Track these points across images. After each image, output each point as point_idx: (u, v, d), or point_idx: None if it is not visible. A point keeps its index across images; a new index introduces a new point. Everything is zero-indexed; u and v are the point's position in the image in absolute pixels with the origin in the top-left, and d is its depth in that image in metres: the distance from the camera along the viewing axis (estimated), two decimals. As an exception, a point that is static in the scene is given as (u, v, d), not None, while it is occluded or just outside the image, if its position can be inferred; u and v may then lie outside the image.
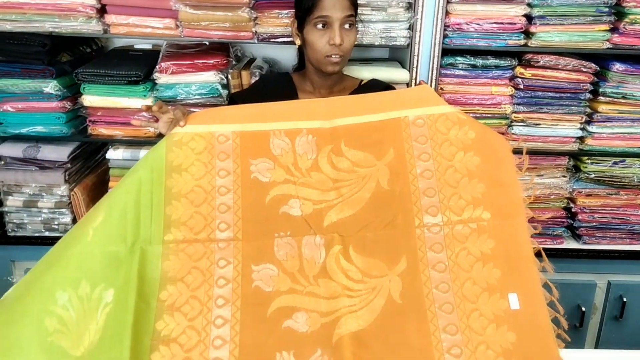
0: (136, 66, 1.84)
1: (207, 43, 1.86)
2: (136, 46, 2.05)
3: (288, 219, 1.03)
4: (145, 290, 0.97)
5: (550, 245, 2.00)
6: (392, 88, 1.52)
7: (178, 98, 1.81)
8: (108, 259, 1.02)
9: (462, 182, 1.03)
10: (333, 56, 1.34)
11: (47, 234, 2.00)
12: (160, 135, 1.27)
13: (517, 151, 1.16)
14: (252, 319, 0.96)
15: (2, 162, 1.94)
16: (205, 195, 1.04)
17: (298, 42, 1.46)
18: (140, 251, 1.00)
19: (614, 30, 1.78)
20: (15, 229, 2.02)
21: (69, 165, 1.95)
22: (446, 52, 1.80)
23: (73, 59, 1.93)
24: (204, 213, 1.03)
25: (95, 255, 1.02)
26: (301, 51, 1.55)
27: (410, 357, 0.91)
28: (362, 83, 1.55)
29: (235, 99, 1.56)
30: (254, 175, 1.05)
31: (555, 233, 2.00)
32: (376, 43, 1.77)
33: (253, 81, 1.77)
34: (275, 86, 1.55)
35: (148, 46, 2.03)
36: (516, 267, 1.00)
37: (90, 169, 2.09)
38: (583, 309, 1.99)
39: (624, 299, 2.00)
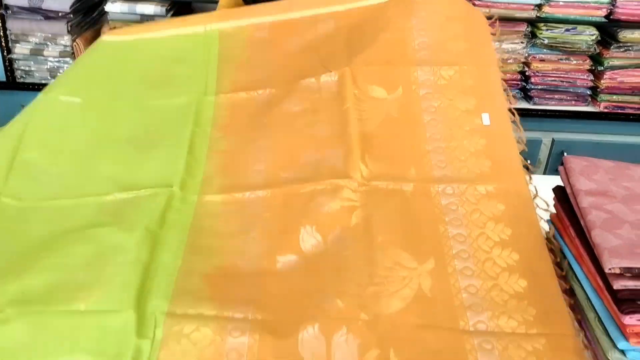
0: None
1: None
2: None
3: (310, 66, 1.23)
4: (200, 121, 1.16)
5: (504, 105, 2.10)
6: None
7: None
8: None
9: (448, 42, 1.23)
10: None
11: (52, 81, 2.04)
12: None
13: (488, 17, 1.32)
14: (283, 130, 1.14)
15: (10, 11, 2.04)
16: (246, 63, 1.28)
17: None
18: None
19: None
20: (24, 76, 2.15)
21: (71, 16, 2.06)
22: None
23: None
24: (247, 73, 1.24)
25: None
26: None
27: (400, 141, 1.13)
28: None
29: None
30: (284, 46, 1.27)
31: (509, 94, 2.11)
32: None
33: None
34: None
35: None
36: (490, 95, 1.19)
37: (90, 24, 2.20)
38: (529, 161, 2.05)
39: (565, 154, 2.07)
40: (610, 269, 0.81)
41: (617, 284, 0.80)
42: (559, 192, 1.06)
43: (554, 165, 2.18)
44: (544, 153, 2.20)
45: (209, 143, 1.10)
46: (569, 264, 0.99)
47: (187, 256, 0.87)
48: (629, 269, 0.80)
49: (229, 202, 0.99)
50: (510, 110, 1.23)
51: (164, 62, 1.33)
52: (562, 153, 2.19)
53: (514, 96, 2.04)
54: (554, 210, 1.09)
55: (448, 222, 1.01)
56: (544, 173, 2.19)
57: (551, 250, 1.02)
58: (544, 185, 1.16)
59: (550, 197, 1.12)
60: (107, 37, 1.40)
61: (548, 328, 0.87)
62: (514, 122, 1.22)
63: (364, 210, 0.96)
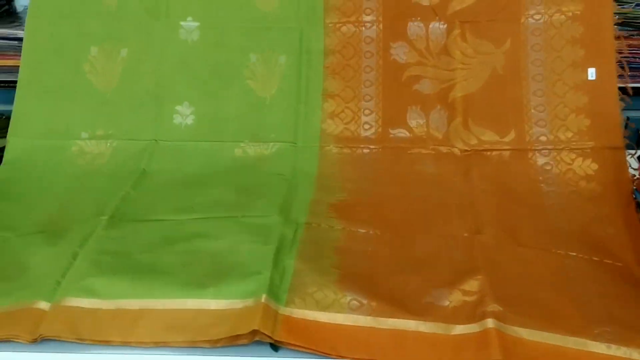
0: None
1: None
2: None
3: (419, 6, 1.22)
4: (312, 58, 1.26)
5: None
6: None
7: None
8: None
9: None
10: None
11: None
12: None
13: None
14: (391, 82, 1.20)
15: None
16: (353, 74, 1.27)
17: None
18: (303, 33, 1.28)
19: None
20: None
21: None
22: None
23: None
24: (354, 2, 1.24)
25: None
26: None
27: (505, 112, 1.18)
28: None
29: None
30: (392, 57, 1.26)
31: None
32: None
33: None
34: None
35: None
36: (598, 49, 1.19)
37: None
38: None
39: None
40: None
41: None
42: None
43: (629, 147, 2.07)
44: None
45: (322, 89, 1.26)
46: None
47: (317, 192, 1.12)
48: None
49: (344, 154, 1.20)
50: (620, 62, 1.23)
51: None
52: (638, 132, 2.07)
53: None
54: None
55: (542, 180, 1.13)
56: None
57: None
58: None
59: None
60: None
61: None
62: (621, 75, 1.20)
63: (464, 174, 1.15)
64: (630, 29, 1.93)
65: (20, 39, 2.01)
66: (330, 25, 1.27)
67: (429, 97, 1.19)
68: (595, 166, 1.13)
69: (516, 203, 1.09)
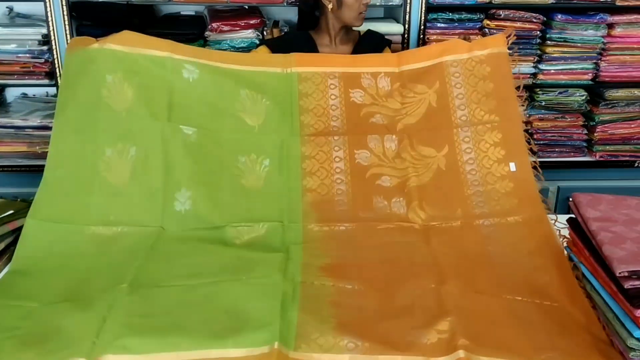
0: (190, 27, 2.27)
1: (247, 7, 2.31)
2: (182, 12, 2.34)
3: (375, 126, 1.53)
4: (291, 163, 1.53)
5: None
6: (385, 38, 2.01)
7: (224, 49, 2.23)
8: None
9: (482, 100, 1.58)
10: (363, 12, 1.76)
11: None
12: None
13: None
14: (357, 179, 1.47)
15: None
16: (323, 111, 1.55)
17: (330, 6, 1.77)
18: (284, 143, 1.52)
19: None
20: None
21: None
22: (430, 9, 2.24)
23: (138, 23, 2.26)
24: (324, 121, 1.54)
25: None
26: (302, 14, 1.93)
27: (451, 196, 1.49)
28: (361, 34, 1.98)
29: (267, 44, 1.96)
30: (352, 99, 1.57)
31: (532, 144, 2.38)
32: (377, 3, 2.24)
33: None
34: (298, 40, 1.96)
35: (191, 12, 2.33)
36: (515, 148, 1.54)
37: None
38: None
39: (570, 200, 2.30)
40: (620, 273, 1.01)
41: (627, 284, 0.99)
42: (572, 222, 1.28)
43: (561, 209, 2.39)
44: (551, 200, 2.41)
45: (301, 185, 1.47)
46: (585, 278, 1.20)
47: (305, 257, 1.29)
48: (635, 272, 1.00)
49: (324, 235, 1.41)
50: (532, 154, 1.58)
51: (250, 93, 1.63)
52: (567, 199, 2.39)
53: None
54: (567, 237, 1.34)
55: (488, 243, 1.38)
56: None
57: (576, 276, 1.25)
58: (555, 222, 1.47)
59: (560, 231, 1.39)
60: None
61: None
62: (534, 167, 1.55)
63: (425, 242, 1.37)
64: (555, 112, 2.31)
65: (14, 127, 2.20)
66: (306, 137, 1.57)
67: (389, 189, 1.46)
68: (526, 230, 1.41)
69: (470, 261, 1.32)
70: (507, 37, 1.62)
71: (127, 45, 1.54)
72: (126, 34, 1.57)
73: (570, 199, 1.28)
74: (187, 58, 1.57)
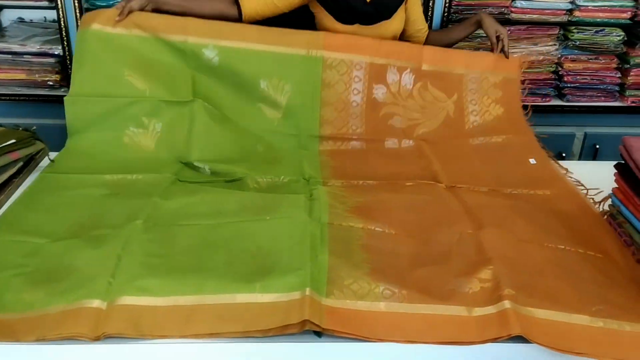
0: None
1: None
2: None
3: (393, 129, 1.56)
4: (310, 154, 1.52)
5: (540, 102, 2.24)
6: None
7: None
8: None
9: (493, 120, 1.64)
10: None
11: None
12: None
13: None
14: (373, 116, 1.54)
15: None
16: (343, 106, 1.54)
17: None
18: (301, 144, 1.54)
19: None
20: None
21: None
22: None
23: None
24: (343, 118, 1.53)
25: None
26: None
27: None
28: None
29: None
30: (374, 96, 1.55)
31: (544, 93, 2.25)
32: None
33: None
34: None
35: None
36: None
37: None
38: (564, 155, 2.21)
39: (597, 147, 2.23)
40: None
41: None
42: (621, 168, 1.19)
43: (587, 157, 2.30)
44: (577, 146, 2.31)
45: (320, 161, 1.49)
46: (632, 226, 1.13)
47: (331, 201, 1.23)
48: None
49: (347, 186, 1.35)
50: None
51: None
52: (594, 145, 2.30)
53: (548, 94, 2.18)
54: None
55: (521, 206, 1.35)
56: (578, 163, 2.30)
57: (618, 224, 1.18)
58: (580, 169, 1.47)
59: (586, 179, 1.39)
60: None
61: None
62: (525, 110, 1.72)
63: (454, 196, 1.33)
64: (589, 53, 2.16)
65: (11, 52, 2.06)
66: (324, 141, 1.56)
67: (399, 130, 1.60)
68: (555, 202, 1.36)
69: (505, 211, 1.24)
70: (522, 62, 1.71)
71: (142, 29, 1.51)
72: (138, 16, 1.50)
73: (621, 144, 1.17)
74: (203, 41, 1.50)
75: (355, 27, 1.61)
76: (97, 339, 0.87)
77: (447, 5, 2.07)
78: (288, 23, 1.64)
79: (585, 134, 2.28)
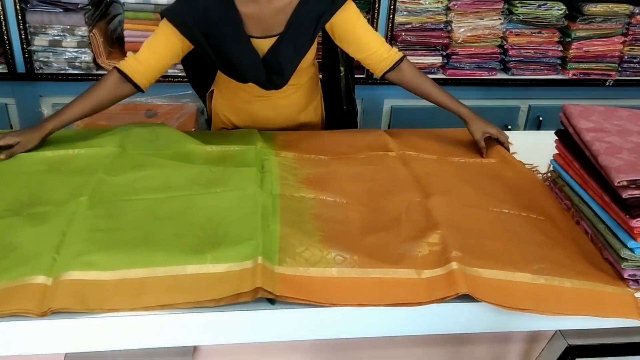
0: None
1: None
2: None
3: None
4: None
5: (486, 76, 2.29)
6: None
7: None
8: None
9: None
10: None
11: (70, 71, 2.14)
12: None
13: None
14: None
15: (29, 5, 2.04)
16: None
17: None
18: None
19: None
20: (43, 67, 2.14)
21: (89, 7, 2.09)
22: None
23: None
24: None
25: None
26: None
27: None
28: None
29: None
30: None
31: (490, 66, 2.31)
32: None
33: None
34: None
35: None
36: None
37: (103, 14, 2.24)
38: (509, 127, 2.28)
39: (540, 119, 2.31)
40: (618, 182, 0.96)
41: (626, 194, 0.96)
42: (561, 135, 1.22)
43: (531, 128, 2.38)
44: (521, 118, 2.39)
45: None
46: (573, 191, 1.16)
47: (282, 172, 1.20)
48: (633, 181, 0.96)
49: (298, 158, 1.32)
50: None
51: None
52: (537, 118, 2.39)
53: (493, 67, 2.23)
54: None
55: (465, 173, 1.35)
56: (523, 135, 2.38)
57: (559, 189, 1.21)
58: (524, 139, 1.48)
59: (528, 150, 1.41)
60: None
61: None
62: None
63: (404, 164, 1.33)
64: (532, 27, 2.23)
65: None
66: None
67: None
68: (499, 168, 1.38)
69: (452, 178, 1.27)
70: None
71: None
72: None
73: (561, 112, 1.21)
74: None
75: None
76: (43, 314, 0.85)
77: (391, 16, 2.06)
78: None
79: (530, 107, 2.35)
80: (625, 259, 0.95)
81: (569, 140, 1.17)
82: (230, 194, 1.12)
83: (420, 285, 0.93)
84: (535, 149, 1.36)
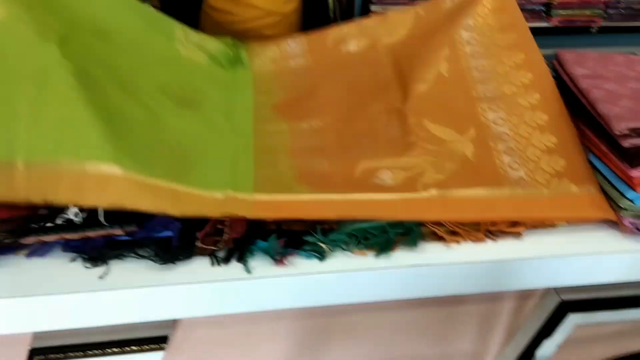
0: None
1: None
2: None
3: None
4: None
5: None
6: None
7: None
8: None
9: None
10: None
11: None
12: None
13: None
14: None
15: None
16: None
17: None
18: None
19: None
20: None
21: None
22: None
23: None
24: None
25: None
26: None
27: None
28: None
29: None
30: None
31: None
32: None
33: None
34: None
35: None
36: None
37: None
38: None
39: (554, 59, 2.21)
40: (619, 131, 0.91)
41: (627, 143, 0.91)
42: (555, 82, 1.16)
43: (516, 77, 2.31)
44: (506, 68, 2.32)
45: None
46: None
47: (256, 96, 1.11)
48: (635, 129, 0.91)
49: (281, 72, 1.19)
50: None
51: None
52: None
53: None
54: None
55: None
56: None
57: None
58: None
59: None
60: None
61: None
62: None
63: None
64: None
65: None
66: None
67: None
68: None
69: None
70: None
71: None
72: None
73: (554, 59, 1.14)
74: None
75: None
76: None
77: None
78: None
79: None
80: (625, 209, 0.91)
81: (562, 89, 1.11)
82: (201, 123, 1.00)
83: (399, 204, 0.90)
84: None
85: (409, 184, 0.94)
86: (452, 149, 1.04)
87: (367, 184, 0.94)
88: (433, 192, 0.92)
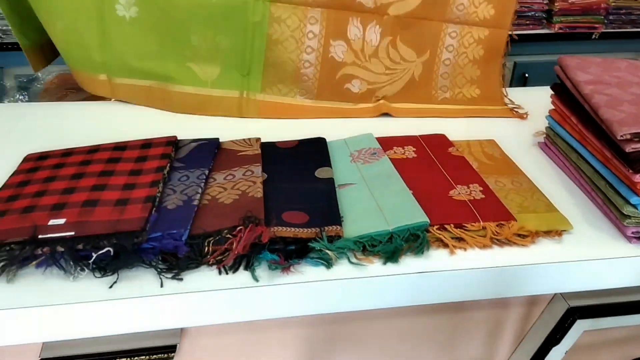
0: None
1: None
2: None
3: (349, 93, 1.30)
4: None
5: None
6: None
7: None
8: None
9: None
10: None
11: None
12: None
13: None
14: (327, 78, 1.27)
15: None
16: (293, 66, 1.27)
17: None
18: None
19: None
20: (2, 36, 2.01)
21: None
22: None
23: None
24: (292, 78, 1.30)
25: None
26: None
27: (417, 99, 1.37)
28: None
29: None
30: (331, 55, 1.28)
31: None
32: None
33: None
34: None
35: None
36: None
37: None
38: None
39: (526, 75, 2.24)
40: (621, 136, 0.91)
41: (629, 148, 0.91)
42: (556, 89, 1.17)
43: (517, 85, 2.33)
44: (507, 76, 2.31)
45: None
46: (571, 147, 1.11)
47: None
48: (637, 134, 0.91)
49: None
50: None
51: None
52: (523, 74, 2.33)
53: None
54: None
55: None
56: (509, 92, 2.32)
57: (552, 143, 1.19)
58: (512, 97, 1.40)
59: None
60: None
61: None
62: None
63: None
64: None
65: None
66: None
67: (355, 95, 1.37)
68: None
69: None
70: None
71: None
72: None
73: (556, 65, 1.14)
74: None
75: None
76: None
77: None
78: None
79: (515, 63, 2.29)
80: (628, 216, 0.90)
81: (565, 95, 1.11)
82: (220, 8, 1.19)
83: (355, 112, 1.29)
84: (524, 107, 1.33)
85: (367, 95, 1.27)
86: (406, 69, 1.28)
87: (342, 90, 1.26)
88: (381, 102, 1.28)
